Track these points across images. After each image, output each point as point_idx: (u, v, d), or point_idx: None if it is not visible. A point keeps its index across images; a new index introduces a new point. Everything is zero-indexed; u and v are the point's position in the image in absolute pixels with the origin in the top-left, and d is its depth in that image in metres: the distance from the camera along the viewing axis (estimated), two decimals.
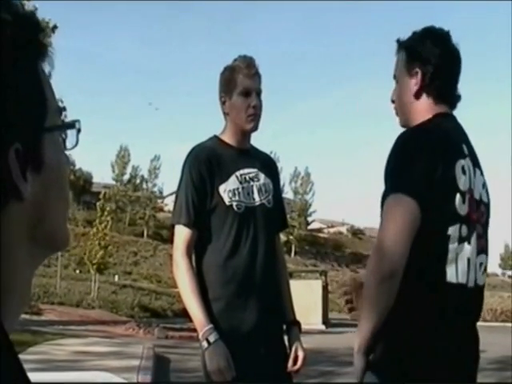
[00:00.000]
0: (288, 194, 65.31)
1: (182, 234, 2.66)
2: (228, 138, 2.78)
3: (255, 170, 2.78)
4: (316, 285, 26.63)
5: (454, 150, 1.98)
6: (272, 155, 3.20)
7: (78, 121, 0.73)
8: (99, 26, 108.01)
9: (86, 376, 7.54)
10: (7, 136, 0.63)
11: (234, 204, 2.67)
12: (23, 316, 17.30)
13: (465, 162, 1.97)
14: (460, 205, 1.91)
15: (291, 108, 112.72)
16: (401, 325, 1.89)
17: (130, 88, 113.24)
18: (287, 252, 54.81)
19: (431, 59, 2.09)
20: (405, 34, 2.21)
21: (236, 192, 2.68)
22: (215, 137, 2.82)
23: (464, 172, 1.95)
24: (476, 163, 2.05)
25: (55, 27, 19.82)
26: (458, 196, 1.91)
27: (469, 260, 1.92)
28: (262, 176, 2.79)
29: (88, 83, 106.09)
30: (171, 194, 60.06)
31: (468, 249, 1.92)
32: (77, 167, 70.60)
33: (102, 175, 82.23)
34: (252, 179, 2.75)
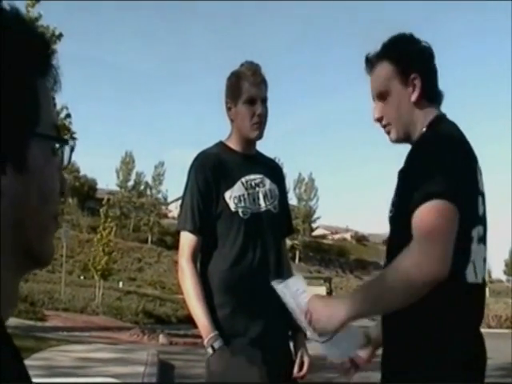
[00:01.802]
0: (292, 200, 65.33)
1: (187, 240, 2.65)
2: (233, 144, 2.77)
3: (261, 175, 2.78)
4: (320, 291, 26.40)
5: (473, 151, 1.99)
6: (276, 161, 3.18)
7: (73, 139, 0.76)
8: (103, 32, 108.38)
9: (91, 382, 7.54)
10: None
11: (240, 210, 2.66)
12: (27, 322, 17.31)
13: (478, 165, 2.00)
14: (480, 206, 1.95)
15: (296, 114, 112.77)
16: (428, 329, 1.89)
17: (135, 94, 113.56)
18: (291, 258, 54.74)
19: (421, 63, 2.06)
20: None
21: (242, 198, 2.68)
22: (221, 143, 2.81)
23: (480, 173, 1.98)
24: None
25: (60, 35, 19.95)
26: (479, 198, 1.95)
27: (485, 260, 1.96)
28: (267, 182, 2.78)
29: (93, 89, 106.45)
30: (175, 201, 60.17)
31: (483, 249, 1.95)
32: (81, 173, 70.81)
33: (107, 181, 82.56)
34: (257, 185, 2.75)
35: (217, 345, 2.50)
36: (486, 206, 1.99)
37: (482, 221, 1.96)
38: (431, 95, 2.08)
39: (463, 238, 1.86)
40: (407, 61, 2.06)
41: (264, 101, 2.72)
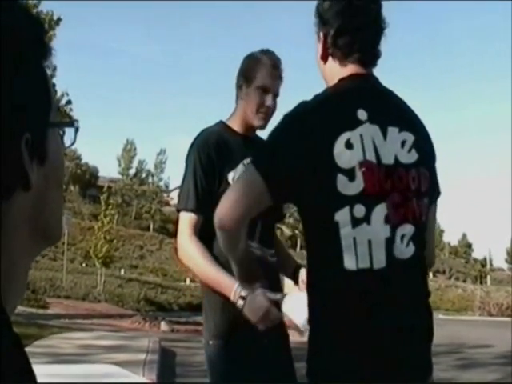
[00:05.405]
0: None
1: (188, 218, 2.55)
2: (235, 125, 2.73)
3: None
4: None
5: (334, 125, 1.79)
6: None
7: (76, 120, 0.77)
8: (105, 19, 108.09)
9: (93, 368, 7.58)
10: (20, 124, 0.65)
11: None
12: (29, 309, 17.39)
13: (352, 134, 1.76)
14: (345, 184, 1.72)
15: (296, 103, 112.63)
16: (315, 318, 1.84)
17: (137, 82, 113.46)
18: (293, 246, 54.70)
19: (330, 19, 1.92)
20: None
21: None
22: (221, 122, 2.76)
23: (349, 146, 1.74)
24: (392, 122, 1.85)
25: (59, 20, 19.79)
26: (339, 176, 1.72)
27: (369, 241, 1.74)
28: None
29: (94, 77, 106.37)
30: (177, 188, 60.11)
31: (367, 230, 1.74)
32: (83, 161, 70.89)
33: (108, 169, 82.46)
34: None
35: (244, 293, 2.34)
36: (372, 176, 1.76)
37: (355, 199, 1.73)
38: (343, 54, 1.93)
39: (324, 225, 1.76)
40: (316, 17, 1.98)
41: (276, 95, 2.70)
